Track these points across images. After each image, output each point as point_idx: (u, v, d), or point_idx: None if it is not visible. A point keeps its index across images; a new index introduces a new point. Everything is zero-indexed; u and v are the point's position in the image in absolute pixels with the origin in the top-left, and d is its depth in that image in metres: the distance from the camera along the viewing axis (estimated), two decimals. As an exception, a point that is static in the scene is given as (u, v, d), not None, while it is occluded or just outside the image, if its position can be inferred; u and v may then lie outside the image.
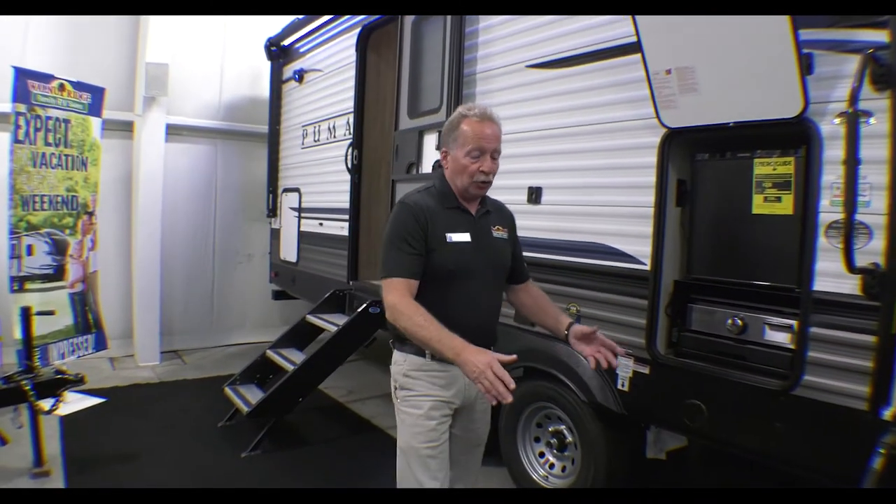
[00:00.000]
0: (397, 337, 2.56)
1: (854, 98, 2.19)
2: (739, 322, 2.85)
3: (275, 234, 7.36)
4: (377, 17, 5.23)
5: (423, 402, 2.48)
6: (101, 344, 5.72)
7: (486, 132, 2.45)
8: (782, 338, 2.73)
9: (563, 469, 3.79)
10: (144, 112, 7.02)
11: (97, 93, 5.58)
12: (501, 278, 2.69)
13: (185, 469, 4.33)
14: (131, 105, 7.15)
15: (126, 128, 7.15)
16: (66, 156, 5.28)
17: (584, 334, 2.52)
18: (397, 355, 2.59)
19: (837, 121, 2.43)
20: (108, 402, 5.31)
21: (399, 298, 2.35)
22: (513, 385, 2.02)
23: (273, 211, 7.33)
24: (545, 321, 2.75)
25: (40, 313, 4.62)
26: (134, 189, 7.17)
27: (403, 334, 2.41)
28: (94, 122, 5.59)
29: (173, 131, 7.36)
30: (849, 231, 2.21)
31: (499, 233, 2.65)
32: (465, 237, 2.50)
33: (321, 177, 6.20)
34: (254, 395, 5.00)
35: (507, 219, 2.76)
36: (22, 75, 4.83)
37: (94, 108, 5.57)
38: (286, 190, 7.03)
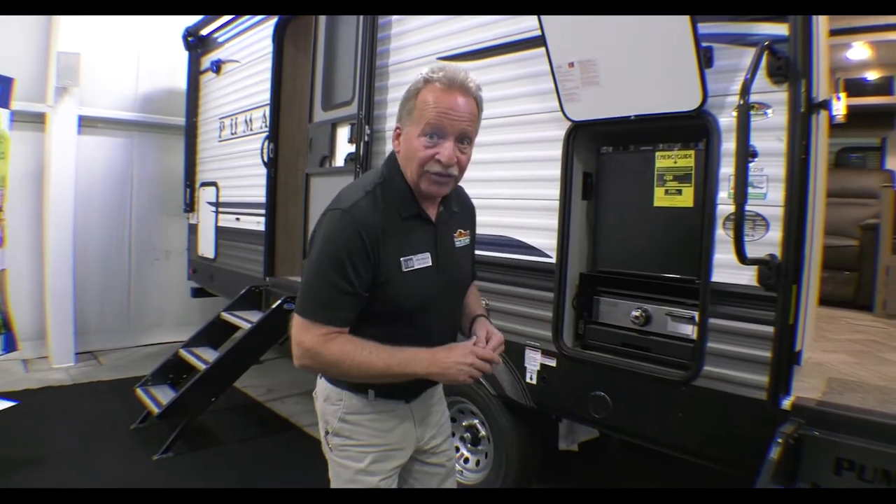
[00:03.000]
0: None
1: (746, 90, 2.20)
2: (644, 314, 2.88)
3: (192, 230, 7.17)
4: (293, 8, 5.12)
5: (363, 455, 1.98)
6: (10, 345, 5.48)
7: (452, 104, 1.77)
8: (685, 329, 2.76)
9: (478, 463, 3.77)
10: (56, 103, 6.74)
11: (5, 83, 5.34)
12: (463, 294, 2.14)
13: (93, 473, 4.17)
14: (43, 96, 6.85)
15: (38, 120, 6.84)
16: (-28, 149, 5.05)
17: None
18: (329, 390, 2.03)
19: (734, 113, 2.45)
20: (19, 406, 5.13)
21: (320, 343, 1.79)
22: (498, 358, 1.87)
23: (191, 206, 7.13)
24: (464, 324, 2.15)
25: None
26: (45, 183, 6.88)
27: None
28: (2, 114, 5.35)
29: (87, 123, 7.10)
30: (739, 222, 2.23)
31: (461, 239, 2.07)
32: (425, 260, 1.89)
33: (238, 170, 6.06)
34: (166, 395, 4.85)
35: (469, 216, 2.18)
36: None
37: (2, 99, 5.33)
38: (204, 184, 6.85)
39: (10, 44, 6.61)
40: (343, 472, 2.02)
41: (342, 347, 1.79)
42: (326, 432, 2.05)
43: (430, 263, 1.91)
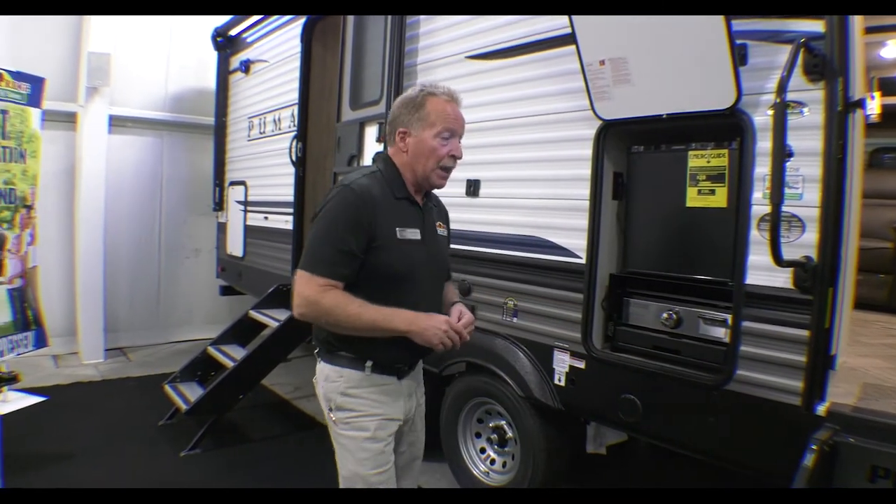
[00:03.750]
0: (326, 348, 2.24)
1: (782, 88, 2.16)
2: (675, 316, 2.83)
3: (221, 228, 7.22)
4: (322, 7, 5.13)
5: (368, 423, 2.19)
6: (41, 341, 5.56)
7: (457, 112, 2.23)
8: (717, 332, 2.71)
9: (504, 465, 3.75)
10: (87, 103, 6.83)
11: (37, 83, 5.42)
12: (444, 279, 2.43)
13: (121, 469, 4.20)
14: (75, 96, 6.93)
15: (69, 119, 6.94)
16: (4, 147, 5.11)
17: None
18: (328, 370, 2.24)
19: (769, 112, 2.40)
20: (49, 401, 5.18)
21: (318, 292, 2.04)
22: (466, 335, 2.17)
23: (220, 204, 7.18)
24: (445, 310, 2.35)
25: (-32, 310, 4.47)
26: (76, 182, 6.97)
27: (331, 344, 2.20)
28: (34, 113, 5.42)
29: (118, 123, 7.19)
30: (775, 224, 2.18)
31: (441, 230, 2.40)
32: (414, 234, 2.21)
33: (266, 169, 6.09)
34: (194, 392, 4.88)
35: (445, 215, 2.51)
36: (-44, 66, 4.68)
37: (34, 99, 5.40)
38: (232, 183, 6.89)
39: (41, 44, 6.71)
40: (350, 443, 2.21)
41: (336, 299, 2.05)
42: (330, 409, 2.25)
43: (419, 237, 2.23)
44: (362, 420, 2.19)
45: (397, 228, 2.15)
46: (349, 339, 2.15)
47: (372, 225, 2.09)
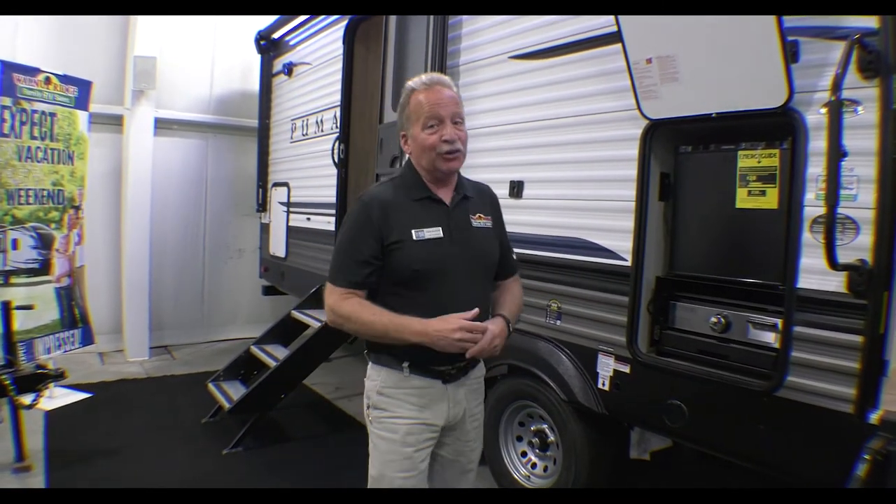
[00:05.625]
0: (371, 346, 2.29)
1: (837, 86, 2.10)
2: (723, 320, 2.76)
3: (264, 229, 7.30)
4: (364, 8, 5.14)
5: (398, 426, 2.21)
6: (87, 339, 5.70)
7: (437, 98, 2.17)
8: (767, 337, 2.64)
9: (545, 469, 3.72)
10: (133, 106, 6.96)
11: (84, 86, 5.55)
12: (487, 274, 2.37)
13: (164, 466, 4.27)
14: (121, 99, 7.08)
15: (116, 122, 7.09)
16: (52, 149, 5.26)
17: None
18: (370, 368, 2.31)
19: (823, 110, 2.33)
20: (95, 397, 5.33)
21: (338, 301, 2.15)
22: (492, 348, 2.11)
23: (263, 206, 7.26)
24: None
25: (20, 308, 4.57)
26: (123, 183, 7.11)
27: (374, 343, 2.23)
28: (81, 116, 5.55)
29: (163, 125, 7.31)
30: (831, 226, 2.12)
31: (481, 221, 2.33)
32: (435, 232, 2.19)
33: (309, 171, 6.13)
34: (237, 391, 4.94)
35: (489, 204, 2.44)
36: (7, 69, 4.83)
37: (81, 102, 5.54)
38: (275, 184, 6.96)
39: (88, 48, 6.88)
40: (381, 443, 2.25)
41: (353, 307, 2.13)
42: (367, 406, 2.31)
43: (442, 235, 2.20)
44: (394, 421, 2.22)
45: (413, 230, 2.17)
46: None
47: (383, 229, 2.14)
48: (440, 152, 2.16)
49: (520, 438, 3.86)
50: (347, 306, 2.13)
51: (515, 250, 3.36)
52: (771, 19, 2.28)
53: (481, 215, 2.35)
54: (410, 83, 2.25)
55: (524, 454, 3.83)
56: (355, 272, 2.16)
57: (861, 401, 2.28)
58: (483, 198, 2.43)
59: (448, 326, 2.04)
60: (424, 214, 2.22)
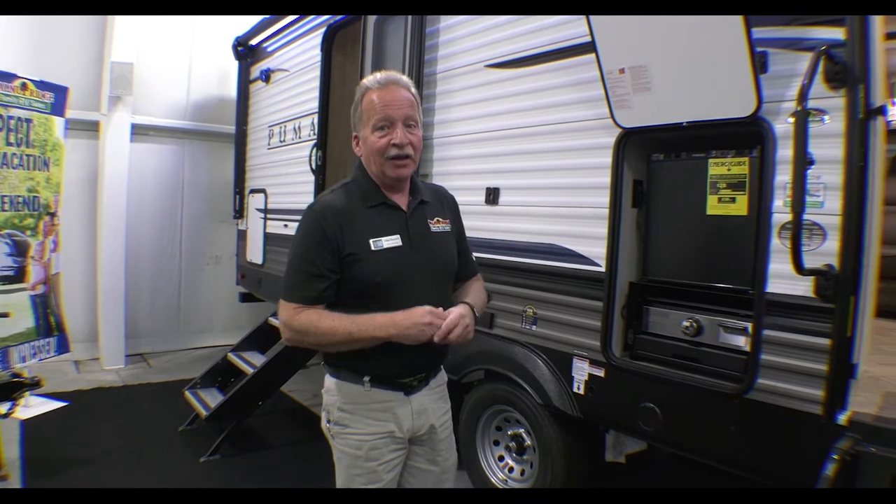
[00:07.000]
0: (328, 360, 2.19)
1: (804, 96, 2.15)
2: (695, 324, 2.82)
3: (241, 236, 7.26)
4: (342, 17, 5.16)
5: (363, 442, 2.13)
6: (63, 347, 5.63)
7: (391, 98, 2.04)
8: (738, 340, 2.69)
9: (522, 472, 3.75)
10: (109, 112, 6.92)
11: (60, 92, 5.50)
12: (447, 279, 2.29)
13: (141, 474, 4.25)
14: (98, 105, 7.03)
15: (92, 128, 7.04)
16: (28, 156, 5.19)
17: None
18: (329, 382, 2.20)
19: (790, 120, 2.39)
20: (71, 406, 5.25)
21: (292, 315, 2.02)
22: (458, 333, 2.01)
23: (240, 212, 7.22)
24: None
25: (-7, 316, 4.54)
26: (99, 189, 7.06)
27: (332, 356, 2.15)
28: (58, 122, 5.50)
29: (140, 131, 7.28)
30: (797, 232, 2.17)
31: (439, 226, 2.24)
32: (394, 240, 2.09)
33: (286, 178, 6.12)
34: (214, 398, 4.93)
35: (448, 207, 2.35)
36: (-18, 75, 4.76)
37: (58, 108, 5.49)
38: (253, 191, 6.93)
39: (65, 54, 6.82)
40: (343, 458, 2.17)
41: (308, 318, 2.00)
42: (328, 421, 2.21)
43: (401, 243, 2.11)
44: (357, 437, 2.14)
45: (371, 240, 2.06)
46: (344, 352, 2.08)
47: (338, 240, 2.03)
48: (388, 157, 2.05)
49: (497, 443, 3.89)
50: (302, 318, 2.01)
51: (491, 256, 3.38)
52: (740, 31, 2.33)
53: (439, 219, 2.27)
54: (365, 81, 2.13)
55: (501, 458, 3.86)
56: (310, 287, 2.03)
57: (829, 402, 2.33)
58: (441, 201, 2.34)
59: (416, 313, 1.97)
60: (381, 222, 2.11)
